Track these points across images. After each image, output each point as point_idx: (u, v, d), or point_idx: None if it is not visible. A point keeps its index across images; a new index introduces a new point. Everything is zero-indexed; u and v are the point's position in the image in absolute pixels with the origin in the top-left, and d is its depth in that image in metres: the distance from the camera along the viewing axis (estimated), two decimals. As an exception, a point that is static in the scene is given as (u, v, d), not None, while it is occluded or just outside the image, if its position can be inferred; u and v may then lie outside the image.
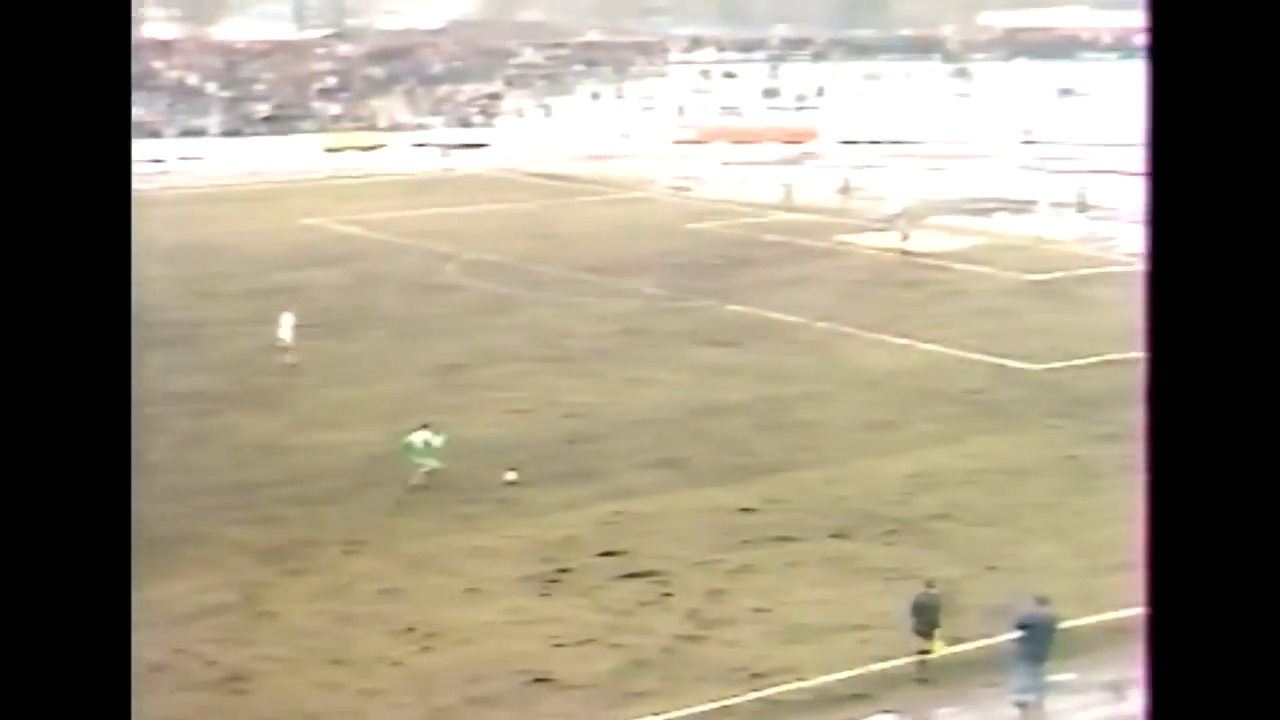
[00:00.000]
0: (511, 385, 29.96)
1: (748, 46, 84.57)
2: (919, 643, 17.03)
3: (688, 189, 57.91)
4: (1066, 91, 72.95)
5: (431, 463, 23.48)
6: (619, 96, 76.96)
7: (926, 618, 17.03)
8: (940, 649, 16.93)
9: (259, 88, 72.59)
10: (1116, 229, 46.41)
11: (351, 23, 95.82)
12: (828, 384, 29.79)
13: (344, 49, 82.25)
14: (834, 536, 21.35)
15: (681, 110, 73.73)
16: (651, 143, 69.16)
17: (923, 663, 16.98)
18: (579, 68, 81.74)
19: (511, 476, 23.63)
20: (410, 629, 18.34)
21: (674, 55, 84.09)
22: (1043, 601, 16.78)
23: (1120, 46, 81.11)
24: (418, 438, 23.65)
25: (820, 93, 75.55)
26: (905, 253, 42.56)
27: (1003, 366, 30.87)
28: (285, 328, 31.86)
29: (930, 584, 17.63)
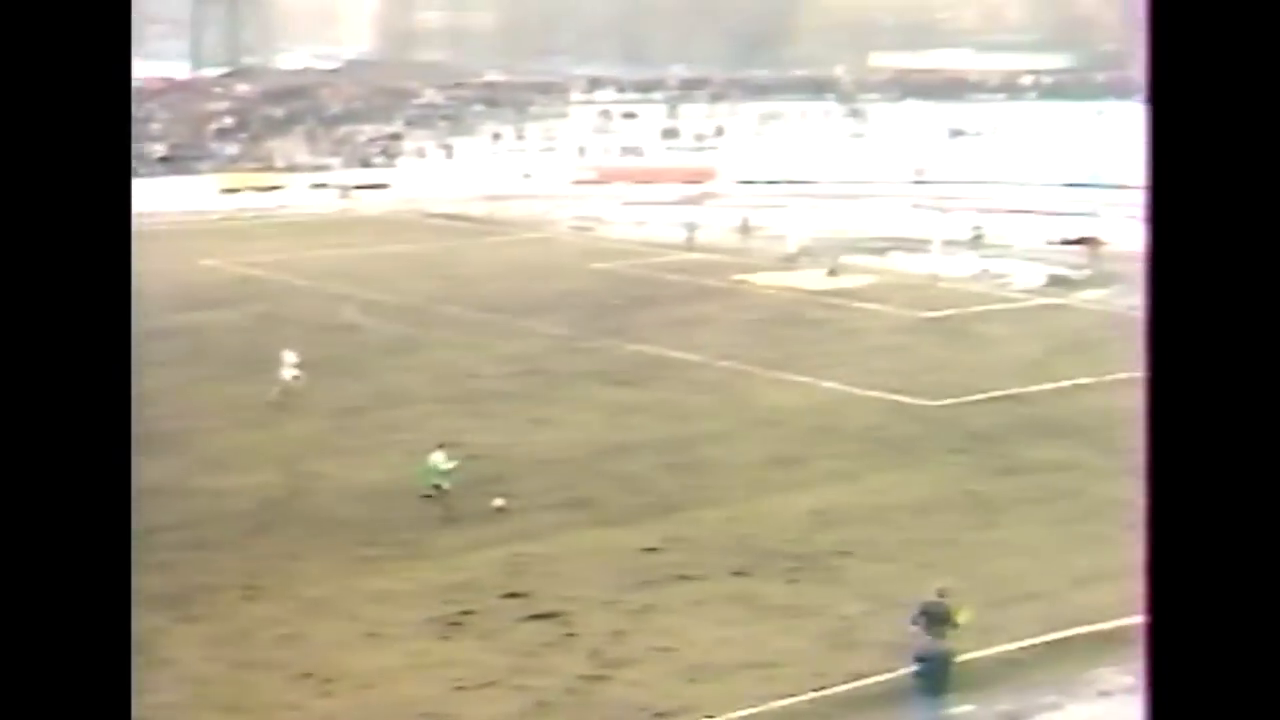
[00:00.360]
0: (413, 427, 29.75)
1: (647, 87, 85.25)
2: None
3: (590, 229, 58.05)
4: (957, 132, 74.17)
5: (444, 484, 23.85)
6: (520, 137, 77.18)
7: (937, 623, 17.42)
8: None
9: (154, 127, 71.80)
10: (1009, 266, 47.10)
11: (249, 61, 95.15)
12: (730, 422, 29.79)
13: (241, 88, 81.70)
14: (737, 574, 21.39)
15: (582, 150, 74.06)
16: (553, 183, 69.39)
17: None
18: (480, 108, 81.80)
19: (499, 503, 23.88)
20: (308, 674, 18.08)
21: (574, 96, 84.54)
22: (942, 594, 17.20)
23: (1007, 88, 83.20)
24: (436, 459, 24.06)
25: (719, 133, 76.25)
26: (813, 291, 42.99)
27: (900, 403, 31.05)
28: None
29: (941, 592, 17.91)
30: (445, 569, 21.84)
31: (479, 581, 21.27)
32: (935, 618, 17.59)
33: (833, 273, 45.58)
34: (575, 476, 26.31)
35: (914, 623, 17.64)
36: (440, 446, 24.34)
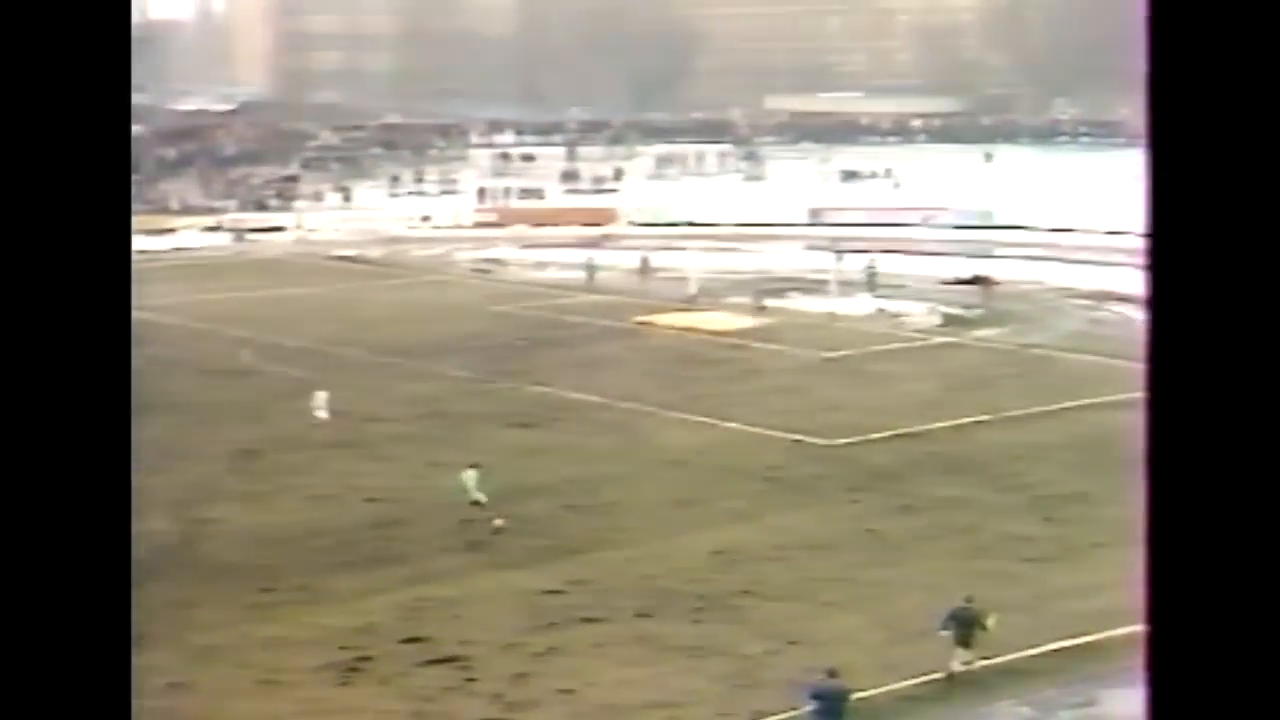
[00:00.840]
0: (311, 470, 29.30)
1: (546, 130, 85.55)
2: (961, 653, 18.51)
3: (489, 271, 57.86)
4: (850, 174, 75.20)
5: (481, 497, 25.71)
6: (419, 180, 76.94)
7: (967, 627, 18.44)
8: (974, 659, 18.46)
9: (44, 169, 70.49)
10: (904, 305, 47.52)
11: (141, 101, 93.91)
12: (632, 464, 29.76)
13: (133, 129, 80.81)
14: (640, 616, 21.31)
15: (482, 193, 73.99)
16: (452, 226, 69.14)
17: (957, 675, 18.35)
18: (377, 150, 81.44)
19: (500, 523, 25.01)
20: (199, 725, 17.72)
21: (474, 138, 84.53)
22: (832, 674, 17.29)
23: (898, 131, 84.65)
24: (468, 476, 26.06)
25: (618, 175, 76.63)
26: (714, 331, 43.05)
27: (801, 443, 31.15)
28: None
29: (969, 599, 18.86)
30: (343, 613, 21.47)
31: (378, 626, 20.93)
32: (965, 623, 18.36)
33: (731, 313, 46.00)
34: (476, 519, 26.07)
35: (944, 628, 18.43)
36: (473, 466, 26.40)
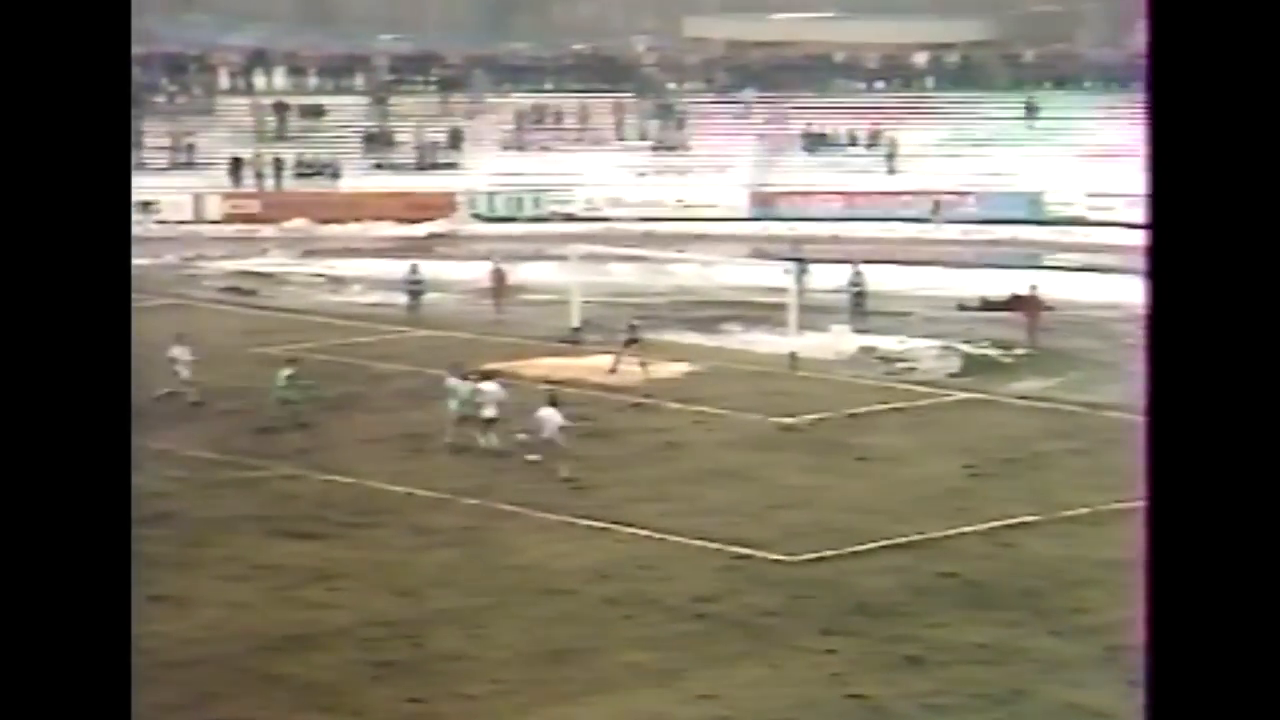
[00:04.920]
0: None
1: (342, 68, 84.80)
2: None
3: (251, 292, 57.65)
4: (819, 140, 75.33)
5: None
6: (138, 145, 76.10)
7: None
8: None
9: None
10: (904, 343, 47.87)
11: None
12: (481, 594, 29.96)
13: None
14: None
15: (238, 168, 73.53)
16: (190, 220, 68.62)
17: None
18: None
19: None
20: None
21: (223, 79, 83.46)
22: None
23: (892, 71, 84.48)
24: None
25: (455, 141, 76.32)
26: (609, 386, 43.59)
27: (747, 558, 31.32)
28: None
29: None
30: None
31: None
32: None
33: (680, 351, 46.64)
34: (225, 685, 25.88)
35: None
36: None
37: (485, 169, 74.03)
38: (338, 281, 58.55)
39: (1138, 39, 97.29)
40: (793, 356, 45.72)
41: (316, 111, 79.42)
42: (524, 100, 79.75)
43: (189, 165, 74.91)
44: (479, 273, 56.29)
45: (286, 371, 41.05)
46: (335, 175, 74.12)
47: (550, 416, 36.27)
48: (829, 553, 31.56)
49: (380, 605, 29.40)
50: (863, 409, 41.76)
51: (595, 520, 33.59)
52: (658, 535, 32.72)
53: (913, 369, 45.73)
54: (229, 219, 69.76)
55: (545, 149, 76.64)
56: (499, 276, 54.87)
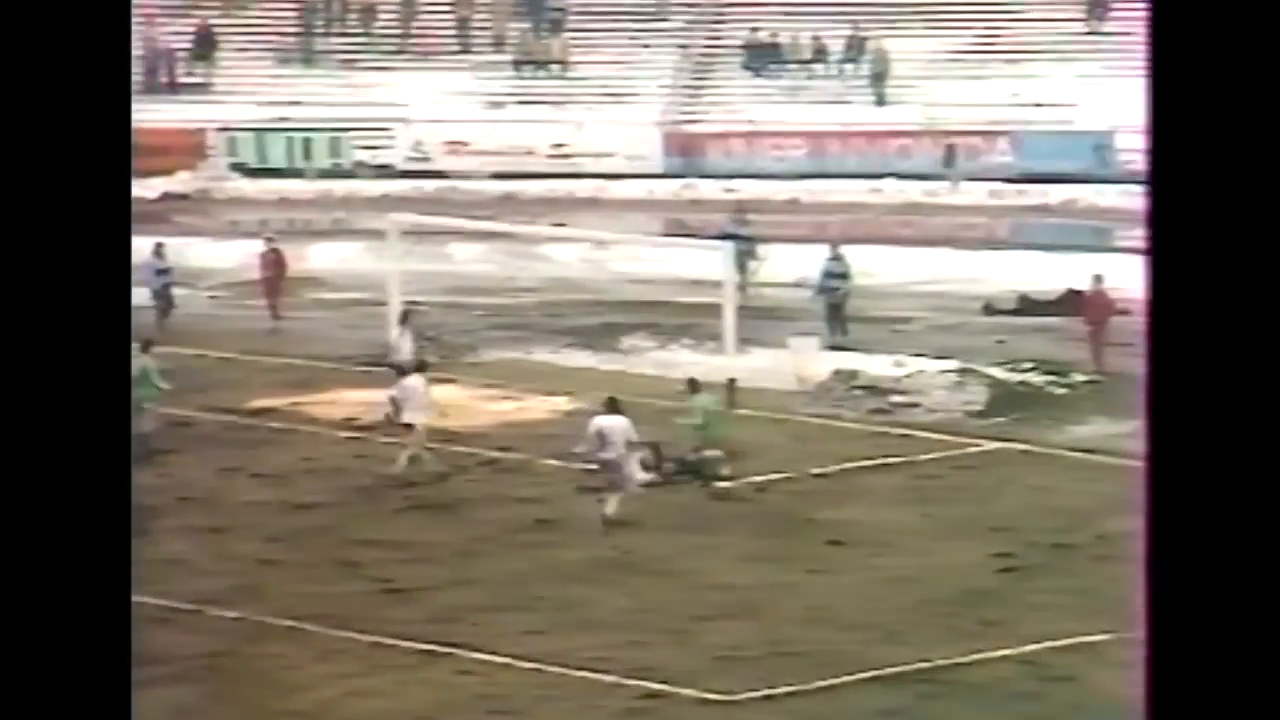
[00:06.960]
0: None
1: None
2: None
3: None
4: (766, 51, 73.69)
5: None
6: None
7: None
8: None
9: None
10: (901, 364, 46.56)
11: None
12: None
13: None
14: None
15: None
16: None
17: None
18: None
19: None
20: None
21: None
22: None
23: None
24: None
25: (206, 48, 74.01)
26: (444, 430, 42.10)
27: (659, 697, 31.14)
28: None
29: None
30: None
31: None
32: None
33: (490, 388, 46.60)
34: None
35: None
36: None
37: (251, 93, 73.00)
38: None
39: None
40: (730, 385, 43.87)
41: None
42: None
43: None
44: (243, 256, 56.16)
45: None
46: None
47: None
48: (783, 690, 31.28)
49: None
50: (836, 467, 41.24)
51: (422, 641, 33.12)
52: (522, 663, 32.32)
53: (915, 405, 44.59)
54: None
55: (348, 63, 75.01)
56: (275, 262, 53.04)
